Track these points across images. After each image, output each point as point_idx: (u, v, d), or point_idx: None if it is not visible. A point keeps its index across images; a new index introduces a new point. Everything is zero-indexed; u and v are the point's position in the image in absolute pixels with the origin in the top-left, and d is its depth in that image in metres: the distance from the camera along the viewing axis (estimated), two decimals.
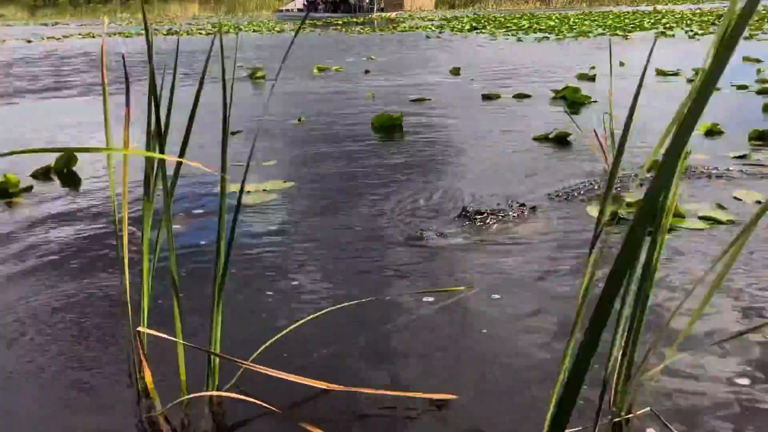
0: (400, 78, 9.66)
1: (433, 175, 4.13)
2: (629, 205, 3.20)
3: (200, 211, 3.58)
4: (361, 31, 25.15)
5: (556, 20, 27.07)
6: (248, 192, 3.78)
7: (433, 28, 25.27)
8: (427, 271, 2.63)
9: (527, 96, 7.22)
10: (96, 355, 2.05)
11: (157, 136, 1.64)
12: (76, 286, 2.59)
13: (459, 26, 25.84)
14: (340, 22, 33.89)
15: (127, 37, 25.17)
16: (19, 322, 2.28)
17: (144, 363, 1.76)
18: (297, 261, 2.79)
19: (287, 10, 58.93)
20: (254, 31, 29.08)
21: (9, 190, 4.00)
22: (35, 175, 4.45)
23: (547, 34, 18.88)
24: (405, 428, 1.66)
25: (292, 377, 1.76)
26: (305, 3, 54.02)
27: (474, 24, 26.77)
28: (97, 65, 13.03)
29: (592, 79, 8.46)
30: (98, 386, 1.88)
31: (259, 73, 9.84)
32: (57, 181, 4.42)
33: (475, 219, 3.02)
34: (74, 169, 4.64)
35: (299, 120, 6.13)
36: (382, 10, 47.28)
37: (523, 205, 3.22)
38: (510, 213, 3.13)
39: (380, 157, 4.75)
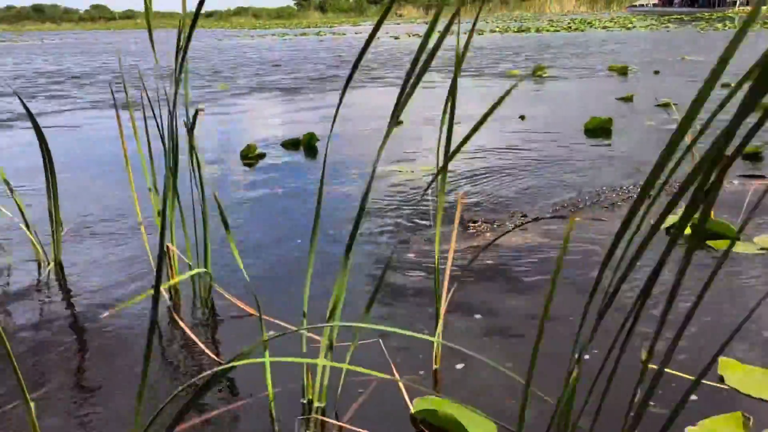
0: (686, 79, 8.92)
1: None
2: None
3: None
4: (719, 27, 22.62)
5: None
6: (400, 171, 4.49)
7: None
8: None
9: None
10: None
11: None
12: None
13: None
14: (706, 16, 30.69)
15: (480, 34, 27.21)
16: None
17: (172, 271, 2.61)
18: None
19: (641, 5, 55.57)
20: (603, 27, 28.40)
21: (249, 155, 5.30)
22: (285, 145, 5.71)
23: None
24: None
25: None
26: None
27: None
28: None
29: None
30: None
31: (539, 72, 10.08)
32: (302, 151, 5.57)
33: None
34: (316, 144, 5.77)
35: (521, 117, 6.41)
36: (746, 3, 40.65)
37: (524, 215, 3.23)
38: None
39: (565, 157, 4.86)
